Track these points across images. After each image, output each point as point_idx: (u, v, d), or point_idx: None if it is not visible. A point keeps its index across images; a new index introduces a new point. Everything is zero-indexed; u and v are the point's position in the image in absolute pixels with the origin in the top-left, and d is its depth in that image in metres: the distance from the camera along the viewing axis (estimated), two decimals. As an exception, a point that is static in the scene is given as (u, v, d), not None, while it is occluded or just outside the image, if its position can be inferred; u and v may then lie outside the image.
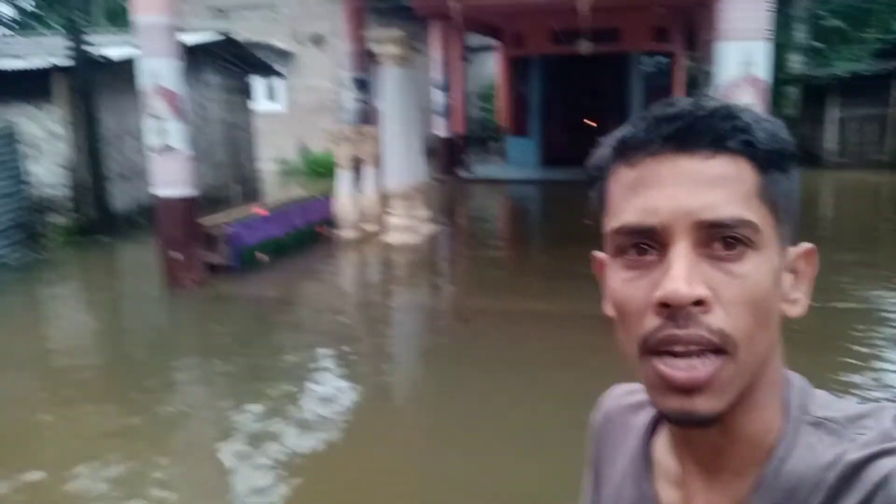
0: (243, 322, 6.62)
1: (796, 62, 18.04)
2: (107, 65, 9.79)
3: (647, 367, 0.62)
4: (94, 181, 9.80)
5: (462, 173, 15.80)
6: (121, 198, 10.45)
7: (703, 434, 0.65)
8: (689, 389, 0.59)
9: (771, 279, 0.61)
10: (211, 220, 7.79)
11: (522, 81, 17.02)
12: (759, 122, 0.62)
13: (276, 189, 15.09)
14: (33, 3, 22.98)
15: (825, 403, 0.67)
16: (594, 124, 16.94)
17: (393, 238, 9.02)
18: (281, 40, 17.25)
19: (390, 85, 8.60)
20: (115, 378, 5.31)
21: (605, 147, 0.68)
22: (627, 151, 0.64)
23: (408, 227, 9.01)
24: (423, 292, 7.67)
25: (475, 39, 20.39)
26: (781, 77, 15.92)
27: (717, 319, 0.59)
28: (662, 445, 0.75)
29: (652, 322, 0.60)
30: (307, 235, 9.31)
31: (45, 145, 9.64)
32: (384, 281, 8.17)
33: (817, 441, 0.63)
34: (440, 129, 15.16)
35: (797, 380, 0.68)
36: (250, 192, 13.56)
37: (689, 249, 0.60)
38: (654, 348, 0.61)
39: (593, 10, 12.35)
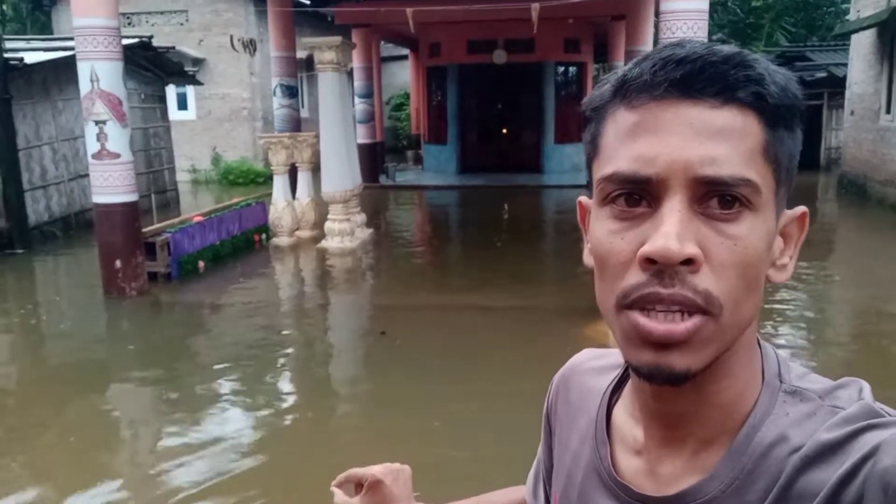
0: (185, 328, 6.55)
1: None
2: (21, 69, 9.36)
3: (623, 318, 0.58)
4: (12, 193, 9.33)
5: (384, 180, 15.96)
6: (34, 209, 9.99)
7: (674, 397, 0.62)
8: (665, 344, 0.56)
9: (765, 243, 0.58)
10: (150, 228, 7.63)
11: (439, 90, 17.35)
12: (771, 74, 0.57)
13: (191, 198, 14.74)
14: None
15: (801, 374, 0.64)
16: (506, 132, 17.48)
17: (330, 243, 9.08)
18: (191, 47, 16.85)
19: (328, 91, 8.67)
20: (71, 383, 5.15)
21: (604, 86, 0.63)
22: (629, 92, 0.59)
23: (346, 231, 9.08)
24: (360, 296, 7.73)
25: (383, 49, 20.59)
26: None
27: (705, 280, 0.55)
28: (623, 411, 0.71)
29: (635, 277, 0.57)
30: (243, 242, 9.23)
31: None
32: (322, 286, 8.12)
33: (793, 410, 0.60)
34: (361, 136, 15.28)
35: (771, 349, 0.66)
36: (168, 202, 13.21)
37: (684, 205, 0.56)
38: (634, 304, 0.57)
39: (509, 21, 12.88)
